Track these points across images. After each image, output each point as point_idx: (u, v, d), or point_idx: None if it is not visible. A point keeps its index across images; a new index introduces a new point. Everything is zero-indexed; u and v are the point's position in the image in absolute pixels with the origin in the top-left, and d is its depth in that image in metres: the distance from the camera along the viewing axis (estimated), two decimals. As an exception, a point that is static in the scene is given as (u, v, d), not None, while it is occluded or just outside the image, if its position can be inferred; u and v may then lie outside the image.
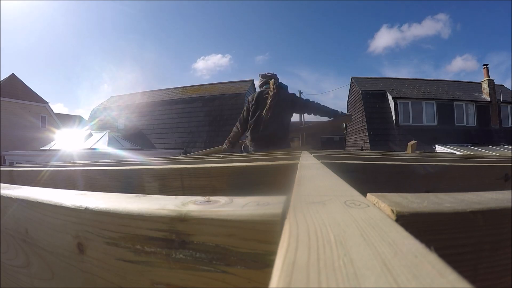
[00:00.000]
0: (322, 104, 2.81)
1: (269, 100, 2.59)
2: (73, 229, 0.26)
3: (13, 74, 12.14)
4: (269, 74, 2.91)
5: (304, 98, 2.91)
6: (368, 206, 0.21)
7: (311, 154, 1.16)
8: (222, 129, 9.13)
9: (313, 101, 2.80)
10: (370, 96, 9.94)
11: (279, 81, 2.85)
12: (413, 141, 2.45)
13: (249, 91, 10.23)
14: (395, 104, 9.47)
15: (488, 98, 9.81)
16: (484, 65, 10.32)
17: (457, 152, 5.56)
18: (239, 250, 0.19)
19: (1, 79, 11.68)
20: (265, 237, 0.18)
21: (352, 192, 0.27)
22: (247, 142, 2.73)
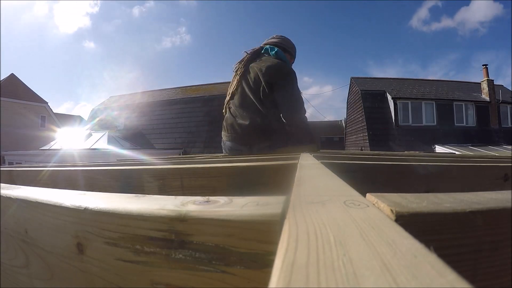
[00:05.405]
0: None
1: (232, 86, 1.84)
2: (72, 229, 0.26)
3: (12, 74, 12.14)
4: (272, 38, 1.99)
5: (292, 86, 1.75)
6: (368, 206, 0.21)
7: (311, 154, 1.16)
8: (221, 129, 9.08)
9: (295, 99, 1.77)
10: (370, 96, 9.94)
11: (280, 45, 1.91)
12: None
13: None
14: (395, 104, 9.47)
15: (487, 98, 9.83)
16: (483, 65, 10.33)
17: (456, 152, 5.57)
18: (239, 250, 0.19)
19: (1, 79, 11.67)
20: (265, 237, 0.18)
21: (351, 192, 0.27)
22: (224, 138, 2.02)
